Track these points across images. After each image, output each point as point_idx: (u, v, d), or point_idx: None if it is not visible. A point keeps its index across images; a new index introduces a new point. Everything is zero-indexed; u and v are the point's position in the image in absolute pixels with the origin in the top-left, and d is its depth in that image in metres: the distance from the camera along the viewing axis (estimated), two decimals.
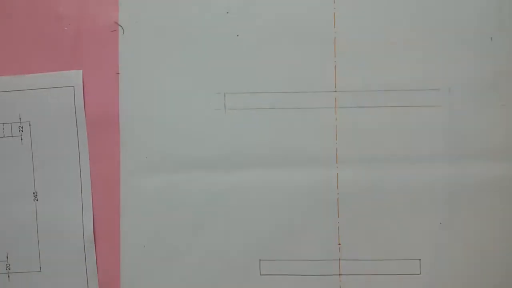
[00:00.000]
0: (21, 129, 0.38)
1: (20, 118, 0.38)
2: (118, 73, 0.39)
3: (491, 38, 0.38)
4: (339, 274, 0.38)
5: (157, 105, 0.39)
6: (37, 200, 0.38)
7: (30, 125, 0.38)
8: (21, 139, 0.38)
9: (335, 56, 0.39)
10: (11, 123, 0.38)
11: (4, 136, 0.38)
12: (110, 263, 0.39)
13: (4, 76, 0.39)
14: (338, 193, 0.38)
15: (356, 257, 0.38)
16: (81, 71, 0.39)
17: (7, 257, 0.38)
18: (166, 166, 0.39)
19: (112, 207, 0.39)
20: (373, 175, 0.38)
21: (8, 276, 0.38)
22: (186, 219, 0.39)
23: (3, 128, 0.38)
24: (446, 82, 0.38)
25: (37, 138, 0.38)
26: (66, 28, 0.40)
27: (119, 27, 0.39)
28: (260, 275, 0.39)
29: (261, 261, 0.39)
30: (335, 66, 0.39)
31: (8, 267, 0.38)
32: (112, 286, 0.39)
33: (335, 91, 0.38)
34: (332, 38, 0.38)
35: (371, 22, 0.38)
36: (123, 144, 0.39)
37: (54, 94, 0.38)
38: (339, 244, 0.38)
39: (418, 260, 0.38)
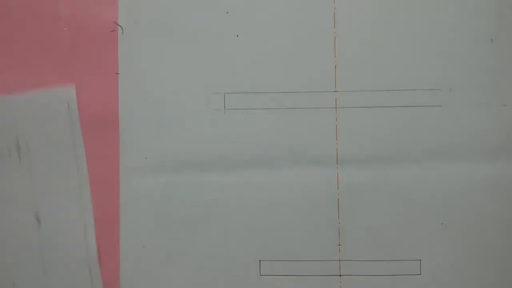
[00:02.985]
0: (18, 149, 0.38)
1: (18, 141, 0.38)
2: (118, 73, 0.39)
3: (491, 39, 0.38)
4: (340, 275, 0.38)
5: (156, 105, 0.39)
6: (39, 223, 0.39)
7: (27, 145, 0.38)
8: (19, 158, 0.38)
9: (335, 56, 0.38)
10: (8, 147, 0.38)
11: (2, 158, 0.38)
12: (110, 263, 0.39)
13: None
14: (338, 194, 0.38)
15: (356, 258, 0.38)
16: (74, 87, 0.39)
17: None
18: (166, 166, 0.39)
19: (111, 208, 0.39)
20: (374, 175, 0.38)
21: None
22: (186, 220, 0.39)
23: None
24: (447, 82, 0.38)
25: (35, 158, 0.38)
26: (65, 28, 0.39)
27: (119, 27, 0.39)
28: (260, 275, 0.38)
29: (261, 262, 0.38)
30: (335, 66, 0.38)
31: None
32: (113, 287, 0.39)
33: (336, 91, 0.38)
34: (332, 38, 0.38)
35: (371, 22, 0.38)
36: (123, 145, 0.39)
37: (48, 112, 0.38)
38: (339, 245, 0.38)
39: (419, 261, 0.38)
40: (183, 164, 0.39)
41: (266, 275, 0.38)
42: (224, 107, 0.39)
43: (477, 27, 0.38)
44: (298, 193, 0.38)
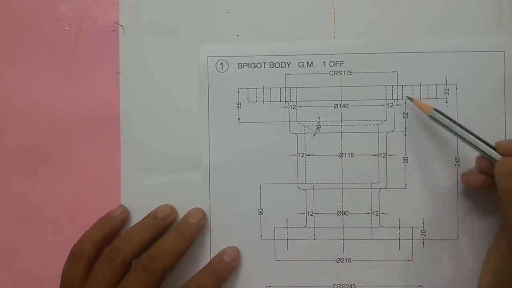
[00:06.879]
0: (447, 91, 0.38)
1: (446, 81, 0.38)
2: (119, 73, 0.39)
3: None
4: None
5: (157, 105, 0.39)
6: (458, 166, 0.38)
7: (456, 88, 0.38)
8: (446, 102, 0.38)
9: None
10: (436, 85, 0.38)
11: (428, 98, 0.38)
12: None
13: (432, 38, 0.38)
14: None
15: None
16: None
17: (423, 223, 0.38)
18: (167, 165, 0.39)
19: (112, 206, 0.39)
20: None
21: (423, 243, 0.38)
22: None
23: (428, 90, 0.38)
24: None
25: (462, 102, 0.38)
26: (66, 28, 0.40)
27: (120, 27, 0.39)
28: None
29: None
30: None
31: (423, 233, 0.38)
32: None
33: None
34: (331, 38, 0.39)
35: (370, 21, 0.38)
36: (124, 144, 0.39)
37: (481, 58, 0.38)
38: None
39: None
40: (184, 163, 0.39)
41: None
42: None
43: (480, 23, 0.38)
44: None
